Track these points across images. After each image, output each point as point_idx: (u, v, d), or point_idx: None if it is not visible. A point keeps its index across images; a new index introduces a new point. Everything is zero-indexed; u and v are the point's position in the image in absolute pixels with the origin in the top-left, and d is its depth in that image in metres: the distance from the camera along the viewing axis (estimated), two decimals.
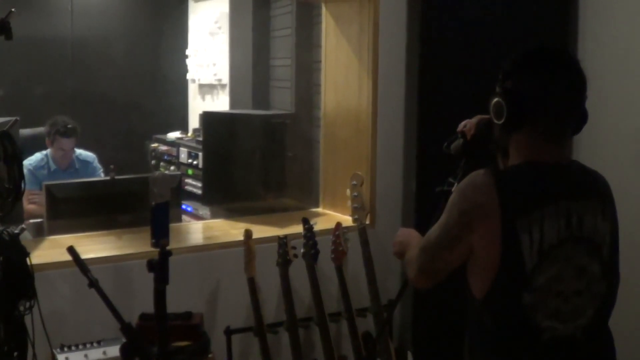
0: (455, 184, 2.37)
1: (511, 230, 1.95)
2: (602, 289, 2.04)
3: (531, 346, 1.99)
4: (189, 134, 6.98)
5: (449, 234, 2.06)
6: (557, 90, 2.01)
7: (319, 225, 3.82)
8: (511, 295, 1.97)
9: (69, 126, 5.22)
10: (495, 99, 2.05)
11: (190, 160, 6.38)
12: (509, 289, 1.97)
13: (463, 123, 2.45)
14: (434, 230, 2.11)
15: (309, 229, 3.66)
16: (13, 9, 2.45)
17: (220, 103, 7.03)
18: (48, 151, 5.26)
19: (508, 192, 1.98)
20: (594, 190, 2.08)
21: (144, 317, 3.15)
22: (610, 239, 2.05)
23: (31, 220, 4.27)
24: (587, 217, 2.01)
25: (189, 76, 7.63)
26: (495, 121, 2.07)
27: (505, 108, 2.01)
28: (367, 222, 3.88)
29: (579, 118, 2.10)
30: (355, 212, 3.81)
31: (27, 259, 2.57)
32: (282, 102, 5.83)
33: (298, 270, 3.64)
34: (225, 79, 6.87)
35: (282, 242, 3.60)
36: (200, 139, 5.90)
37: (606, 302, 2.07)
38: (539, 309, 1.96)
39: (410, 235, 2.38)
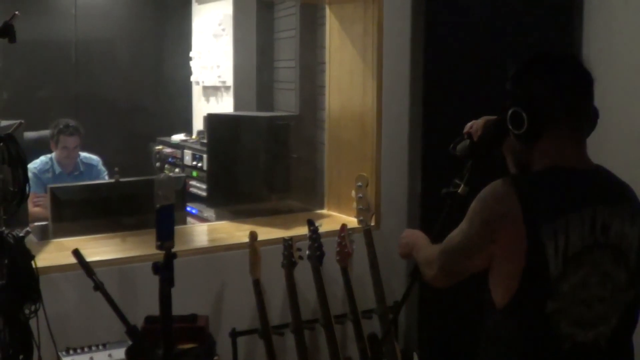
0: (462, 186, 2.36)
1: (536, 238, 1.92)
2: (629, 297, 2.01)
3: (553, 353, 1.97)
4: (193, 136, 6.97)
5: (470, 243, 2.04)
6: (571, 88, 2.00)
7: (324, 226, 3.81)
8: (535, 303, 1.95)
9: (72, 124, 5.23)
10: (513, 110, 2.02)
11: (194, 163, 6.39)
12: (533, 297, 1.95)
13: (469, 124, 2.43)
14: (456, 235, 2.10)
15: (314, 230, 3.66)
16: (17, 12, 2.45)
17: (224, 105, 7.03)
18: (52, 154, 5.27)
19: (530, 199, 1.95)
20: (622, 196, 2.06)
21: (149, 319, 3.15)
22: (638, 245, 2.02)
23: (36, 223, 4.28)
24: (615, 223, 1.98)
25: (192, 78, 7.62)
26: (515, 132, 2.04)
27: (526, 117, 1.99)
28: (372, 223, 3.87)
29: (593, 116, 2.08)
30: (360, 213, 3.80)
31: (32, 262, 2.57)
32: (286, 103, 5.82)
33: (303, 272, 3.63)
34: (229, 81, 6.86)
35: (287, 243, 3.59)
36: (205, 141, 5.91)
37: (631, 311, 2.04)
38: (562, 317, 1.94)
39: (415, 236, 2.37)
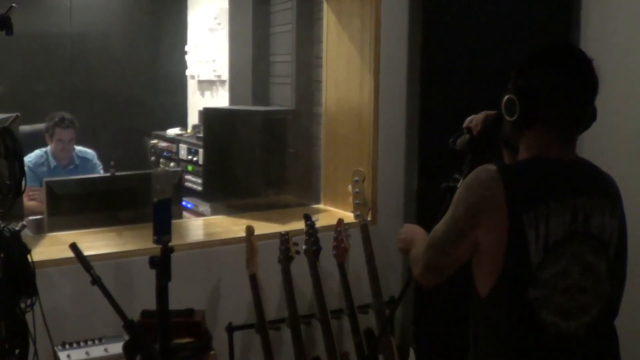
0: (461, 180, 2.36)
1: (517, 224, 1.94)
2: (608, 288, 2.03)
3: (535, 342, 1.99)
4: (189, 131, 6.97)
5: (455, 229, 2.04)
6: (570, 88, 2.01)
7: (321, 221, 3.81)
8: (517, 290, 1.96)
9: (67, 117, 5.22)
10: (508, 96, 2.03)
11: (190, 157, 6.38)
12: (514, 283, 1.96)
13: (469, 119, 2.43)
14: (440, 226, 2.10)
15: (310, 225, 3.65)
16: (14, 5, 2.43)
17: (220, 99, 7.02)
18: (47, 148, 5.25)
19: (514, 186, 1.97)
20: (602, 189, 2.08)
21: (145, 314, 3.14)
22: (617, 238, 2.04)
23: (31, 217, 4.26)
24: (595, 214, 2.00)
25: (188, 72, 7.62)
26: (507, 118, 2.05)
27: (518, 105, 2.00)
28: (369, 218, 3.86)
29: (589, 116, 2.09)
30: (356, 208, 3.80)
31: (28, 256, 2.55)
32: (282, 98, 5.81)
33: (300, 267, 3.63)
34: (225, 75, 6.86)
35: (284, 238, 3.59)
36: (200, 135, 5.89)
37: (611, 301, 2.06)
38: (544, 305, 1.96)
39: (414, 232, 2.36)
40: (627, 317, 2.24)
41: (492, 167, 2.02)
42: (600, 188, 2.07)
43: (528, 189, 1.99)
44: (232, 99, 6.67)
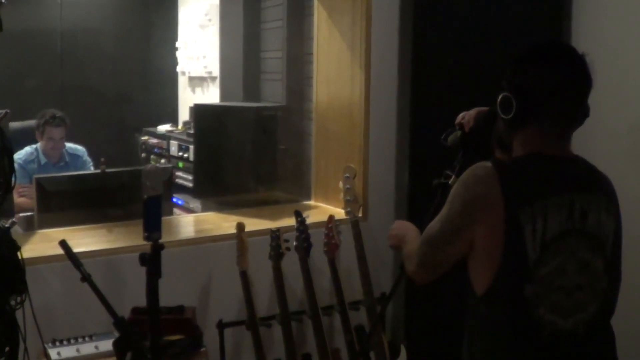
0: (453, 177, 2.36)
1: (514, 221, 1.94)
2: (604, 285, 2.03)
3: (532, 340, 1.98)
4: (179, 127, 6.94)
5: (451, 226, 2.04)
6: (566, 86, 2.01)
7: (312, 218, 3.81)
8: (514, 287, 1.96)
9: (58, 115, 5.21)
10: (503, 94, 2.03)
11: (180, 153, 6.35)
12: (511, 280, 1.96)
13: (461, 115, 2.43)
14: (436, 222, 2.10)
15: (301, 221, 3.65)
16: (3, 0, 2.42)
17: (211, 95, 7.00)
18: (38, 145, 5.23)
19: (511, 182, 1.97)
20: (598, 186, 2.08)
21: (135, 311, 3.13)
22: (613, 236, 2.05)
23: (21, 214, 4.25)
24: (592, 211, 2.01)
25: (178, 69, 7.59)
26: (503, 116, 2.05)
27: (515, 103, 2.00)
28: (360, 215, 3.86)
29: (582, 115, 2.09)
30: (347, 205, 3.80)
31: (18, 253, 2.54)
32: (273, 94, 5.80)
33: (291, 264, 3.63)
34: (216, 72, 6.84)
35: (275, 235, 3.59)
36: (191, 131, 5.88)
37: (608, 299, 2.06)
38: (540, 302, 1.96)
39: (406, 228, 2.36)
40: (624, 317, 2.24)
41: (488, 163, 2.02)
42: (596, 185, 2.08)
43: (524, 185, 1.99)
44: (223, 95, 6.66)
